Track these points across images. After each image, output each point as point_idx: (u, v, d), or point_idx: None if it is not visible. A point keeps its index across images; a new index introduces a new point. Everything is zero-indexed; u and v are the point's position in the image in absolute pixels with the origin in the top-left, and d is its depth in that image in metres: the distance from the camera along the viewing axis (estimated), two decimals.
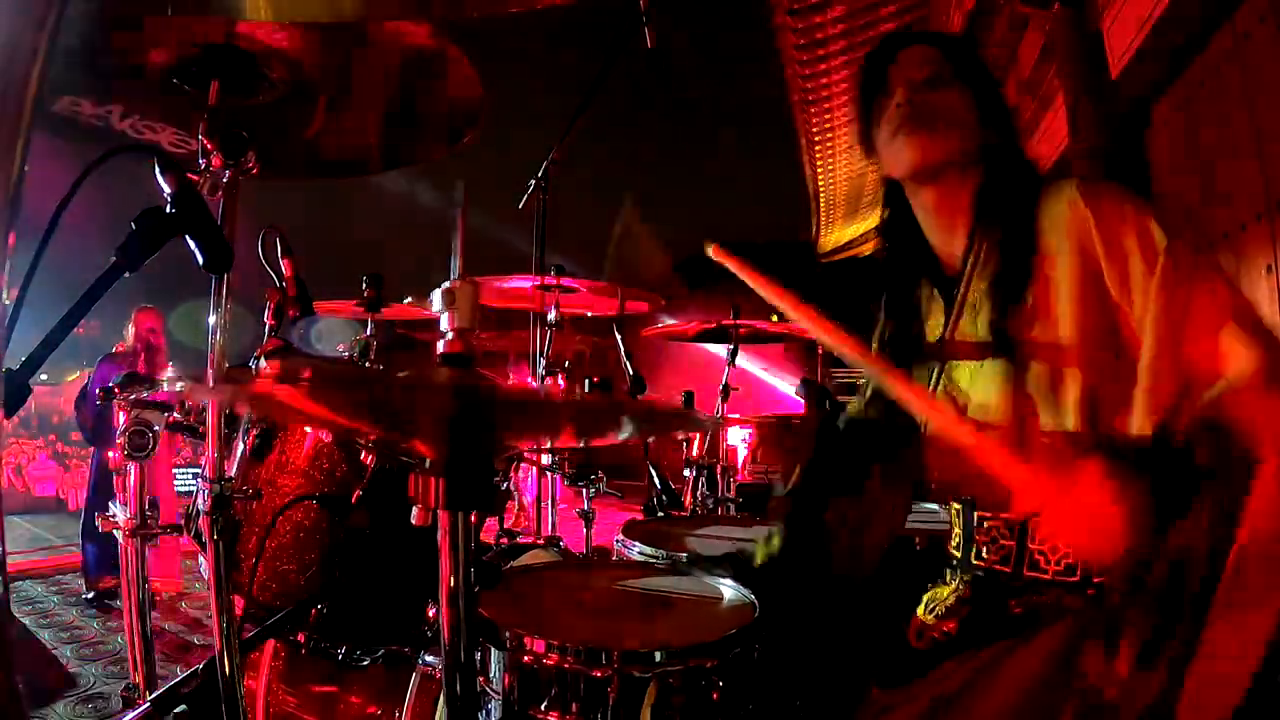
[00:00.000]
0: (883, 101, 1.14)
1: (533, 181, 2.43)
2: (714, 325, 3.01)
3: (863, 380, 1.41)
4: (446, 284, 0.67)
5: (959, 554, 1.14)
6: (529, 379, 2.41)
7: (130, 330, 4.33)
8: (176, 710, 1.07)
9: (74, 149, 1.21)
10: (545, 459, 2.33)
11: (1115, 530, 0.82)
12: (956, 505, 1.17)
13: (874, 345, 1.28)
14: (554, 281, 2.45)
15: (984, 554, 1.09)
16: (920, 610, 1.15)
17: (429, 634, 1.18)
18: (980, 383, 1.09)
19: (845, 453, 1.29)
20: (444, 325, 0.68)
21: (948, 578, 1.16)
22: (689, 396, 2.73)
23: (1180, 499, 0.84)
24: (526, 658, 0.93)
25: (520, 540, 1.79)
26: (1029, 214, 1.06)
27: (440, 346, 0.68)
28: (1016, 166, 1.12)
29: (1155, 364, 0.93)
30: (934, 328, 1.18)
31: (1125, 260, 0.97)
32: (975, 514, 1.11)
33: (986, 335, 1.07)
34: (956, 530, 1.16)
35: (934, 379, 1.16)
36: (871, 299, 1.32)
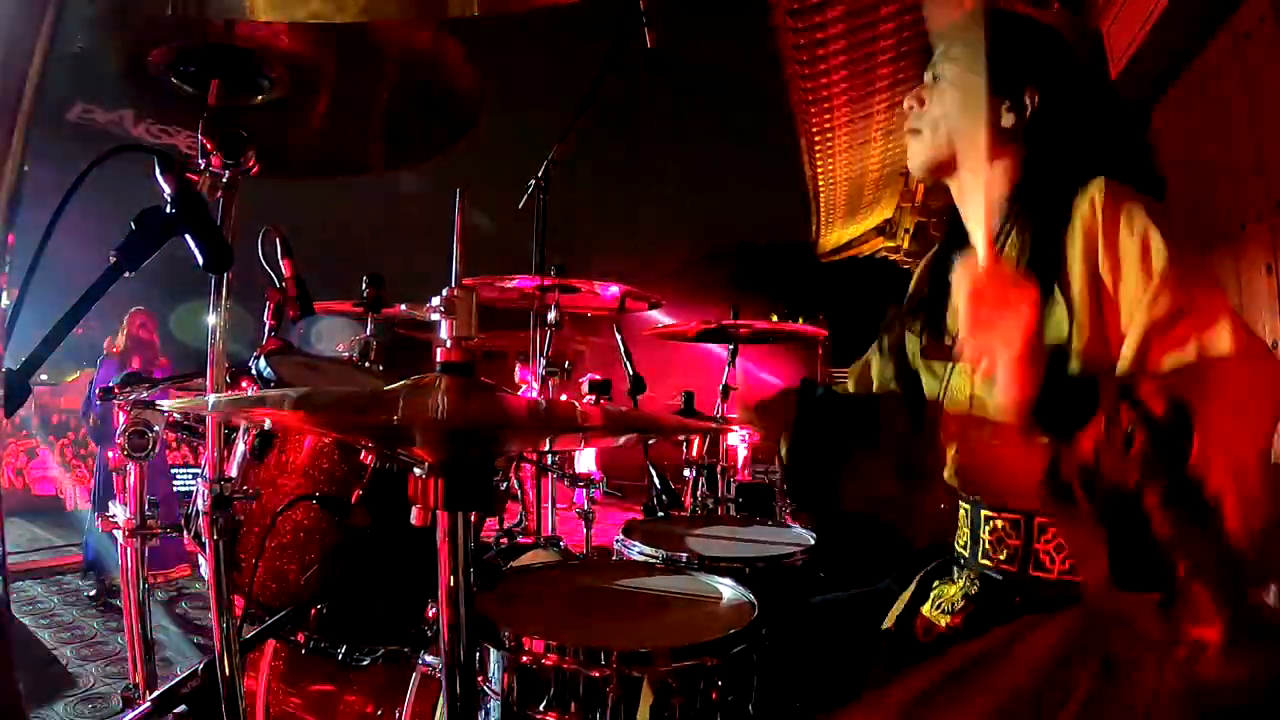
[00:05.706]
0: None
1: (533, 181, 2.43)
2: (714, 325, 3.01)
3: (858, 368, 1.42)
4: (445, 291, 0.66)
5: (966, 552, 1.14)
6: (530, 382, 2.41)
7: (122, 331, 4.42)
8: (176, 710, 1.07)
9: (81, 149, 1.20)
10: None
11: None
12: (965, 504, 1.16)
13: (885, 341, 1.29)
14: (553, 281, 2.44)
15: (990, 552, 1.09)
16: (927, 608, 1.14)
17: (429, 634, 1.18)
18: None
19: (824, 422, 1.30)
20: (442, 333, 0.68)
21: (955, 575, 1.16)
22: (689, 397, 2.73)
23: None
24: (525, 658, 0.93)
25: (520, 540, 1.79)
26: (1062, 207, 1.00)
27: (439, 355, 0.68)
28: (1053, 153, 1.06)
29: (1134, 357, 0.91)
30: (956, 316, 1.16)
31: (1118, 270, 0.95)
32: (982, 513, 1.11)
33: None
34: (964, 529, 1.16)
35: (947, 376, 1.16)
36: (883, 298, 1.31)
